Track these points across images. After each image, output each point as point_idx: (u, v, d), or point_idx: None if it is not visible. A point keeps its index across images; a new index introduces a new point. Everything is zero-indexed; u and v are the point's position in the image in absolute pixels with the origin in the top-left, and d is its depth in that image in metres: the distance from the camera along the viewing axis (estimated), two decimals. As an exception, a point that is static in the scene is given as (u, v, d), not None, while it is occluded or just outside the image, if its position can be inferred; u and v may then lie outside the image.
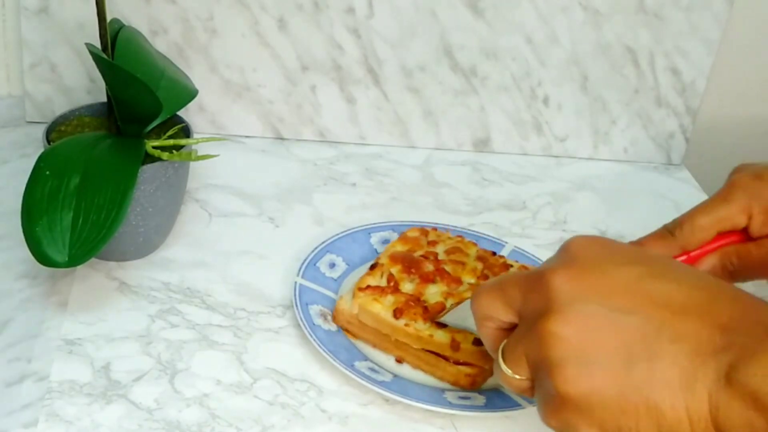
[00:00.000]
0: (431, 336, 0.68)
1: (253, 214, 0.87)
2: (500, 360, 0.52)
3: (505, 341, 0.53)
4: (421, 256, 0.75)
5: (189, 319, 0.73)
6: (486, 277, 0.74)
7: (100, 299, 0.74)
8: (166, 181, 0.75)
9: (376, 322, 0.70)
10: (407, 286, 0.72)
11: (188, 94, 0.78)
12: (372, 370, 0.69)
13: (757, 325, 0.46)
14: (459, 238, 0.79)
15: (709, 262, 0.67)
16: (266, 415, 0.65)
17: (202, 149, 0.78)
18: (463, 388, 0.68)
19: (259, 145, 0.98)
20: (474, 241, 0.82)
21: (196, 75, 0.91)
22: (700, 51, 0.99)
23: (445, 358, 0.69)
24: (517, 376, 0.51)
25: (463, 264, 0.75)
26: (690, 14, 0.97)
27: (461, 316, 0.67)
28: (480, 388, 0.69)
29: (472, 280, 0.73)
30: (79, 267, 0.71)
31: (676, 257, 0.67)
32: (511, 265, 0.76)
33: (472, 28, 0.96)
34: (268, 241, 0.83)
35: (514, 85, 0.99)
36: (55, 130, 0.78)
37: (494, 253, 0.78)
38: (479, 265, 0.75)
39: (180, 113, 0.78)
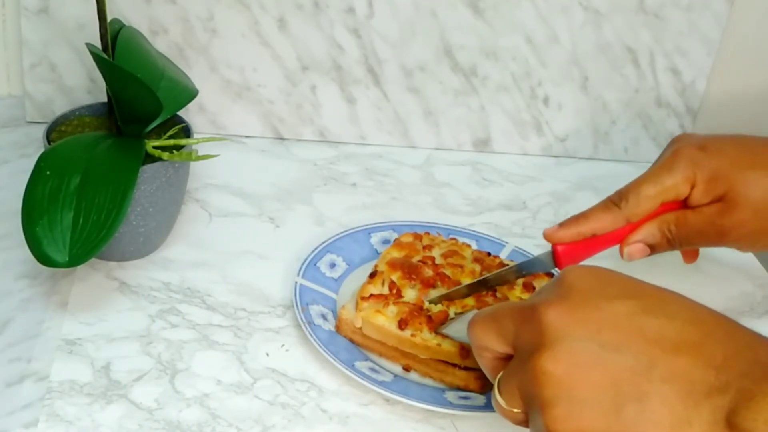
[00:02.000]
0: (439, 345, 0.68)
1: (253, 214, 0.87)
2: (496, 392, 0.52)
3: (501, 373, 0.52)
4: (420, 261, 0.75)
5: (189, 319, 0.73)
6: None
7: (100, 299, 0.74)
8: (166, 181, 0.75)
9: (381, 334, 0.70)
10: (410, 293, 0.72)
11: (188, 94, 0.78)
12: (372, 370, 0.69)
13: (754, 365, 0.45)
14: (453, 241, 0.79)
15: (648, 230, 0.68)
16: (267, 415, 0.65)
17: (202, 149, 0.78)
18: (474, 391, 0.68)
19: (259, 145, 0.98)
20: (474, 241, 0.83)
21: (196, 75, 0.91)
22: (700, 51, 0.99)
23: (453, 365, 0.68)
24: (514, 409, 0.51)
25: (461, 267, 0.75)
26: (690, 14, 0.97)
27: (462, 329, 0.67)
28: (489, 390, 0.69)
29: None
30: (79, 267, 0.71)
31: (620, 229, 0.67)
32: (507, 264, 0.76)
33: (472, 28, 0.96)
34: (268, 241, 0.83)
35: (514, 85, 0.99)
36: (55, 130, 0.78)
37: (489, 254, 0.78)
38: (477, 267, 0.75)
39: (180, 113, 0.78)
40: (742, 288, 0.86)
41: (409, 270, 0.73)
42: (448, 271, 0.74)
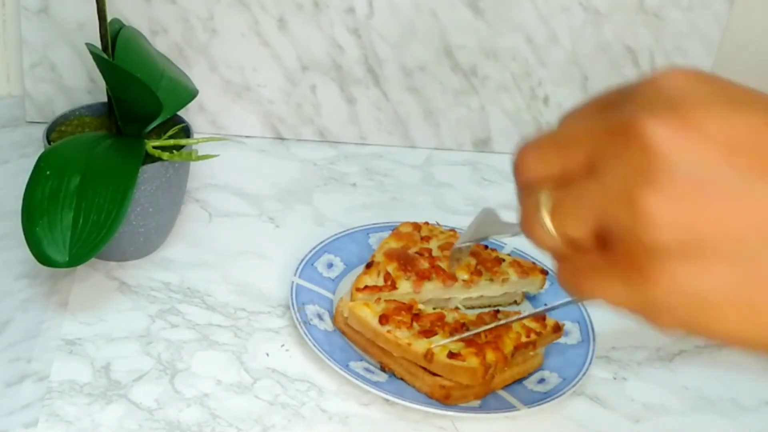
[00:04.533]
0: (409, 345, 0.68)
1: (253, 214, 0.87)
2: (543, 211, 0.38)
3: (550, 192, 0.38)
4: (416, 253, 0.75)
5: (189, 319, 0.73)
6: (480, 273, 0.74)
7: (100, 299, 0.74)
8: (166, 181, 0.75)
9: (361, 325, 0.70)
10: (404, 285, 0.72)
11: (188, 94, 0.78)
12: (367, 370, 0.69)
13: None
14: (452, 233, 0.79)
15: None
16: (266, 415, 0.65)
17: (202, 149, 0.78)
18: (438, 401, 0.67)
19: (259, 145, 0.98)
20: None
21: (196, 75, 0.90)
22: (700, 51, 0.99)
23: (424, 369, 0.68)
24: (560, 235, 0.38)
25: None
26: (690, 14, 0.97)
27: (473, 229, 0.62)
28: (455, 403, 0.67)
29: (466, 276, 0.74)
30: (79, 267, 0.71)
31: None
32: (503, 260, 0.76)
33: (472, 28, 0.96)
34: (268, 241, 0.83)
35: (514, 85, 0.99)
36: (55, 130, 0.78)
37: (486, 247, 0.78)
38: (473, 261, 0.75)
39: (180, 113, 0.78)
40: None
41: (405, 261, 0.74)
42: (443, 264, 0.74)
